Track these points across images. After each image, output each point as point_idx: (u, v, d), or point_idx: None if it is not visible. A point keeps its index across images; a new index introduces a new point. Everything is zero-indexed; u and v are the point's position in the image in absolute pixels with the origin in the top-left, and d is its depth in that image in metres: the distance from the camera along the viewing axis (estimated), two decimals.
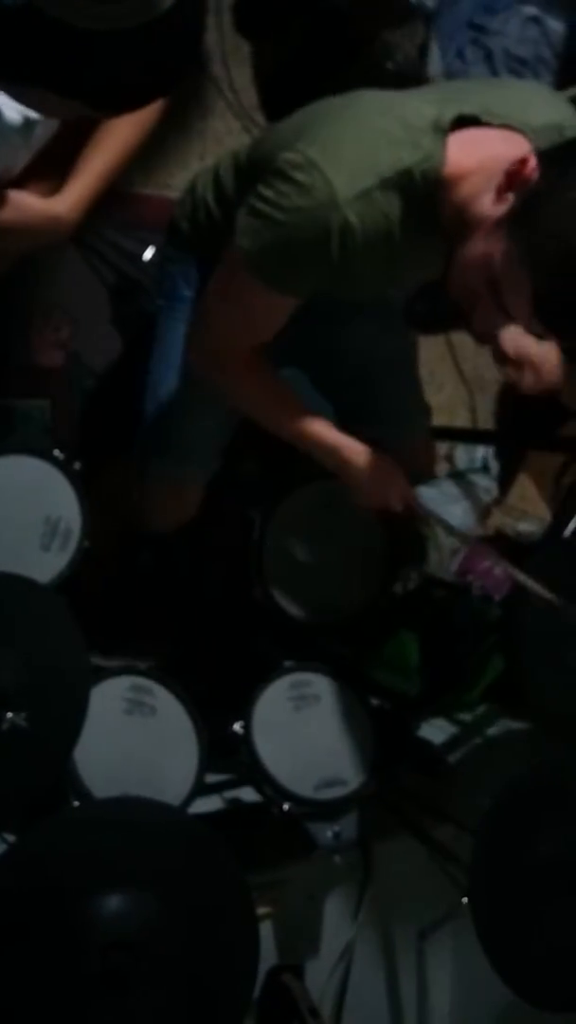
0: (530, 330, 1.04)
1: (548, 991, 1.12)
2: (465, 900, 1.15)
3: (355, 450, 1.29)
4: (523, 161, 0.97)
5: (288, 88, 2.08)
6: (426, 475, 1.95)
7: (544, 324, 0.99)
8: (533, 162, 0.97)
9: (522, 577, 1.34)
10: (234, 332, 1.19)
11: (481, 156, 1.02)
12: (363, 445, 1.30)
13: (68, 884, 0.88)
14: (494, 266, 1.00)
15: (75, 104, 0.83)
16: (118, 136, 1.20)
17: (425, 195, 1.04)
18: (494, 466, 2.52)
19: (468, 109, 1.05)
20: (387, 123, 1.05)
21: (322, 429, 1.28)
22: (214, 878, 0.95)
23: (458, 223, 1.05)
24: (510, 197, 0.99)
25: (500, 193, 1.00)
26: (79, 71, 0.80)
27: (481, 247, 1.02)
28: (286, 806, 1.29)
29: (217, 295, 1.18)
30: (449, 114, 1.03)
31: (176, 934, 0.90)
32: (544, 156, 0.98)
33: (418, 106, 1.07)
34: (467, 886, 1.15)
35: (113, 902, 0.87)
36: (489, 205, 1.01)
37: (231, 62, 1.97)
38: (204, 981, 0.92)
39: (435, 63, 2.05)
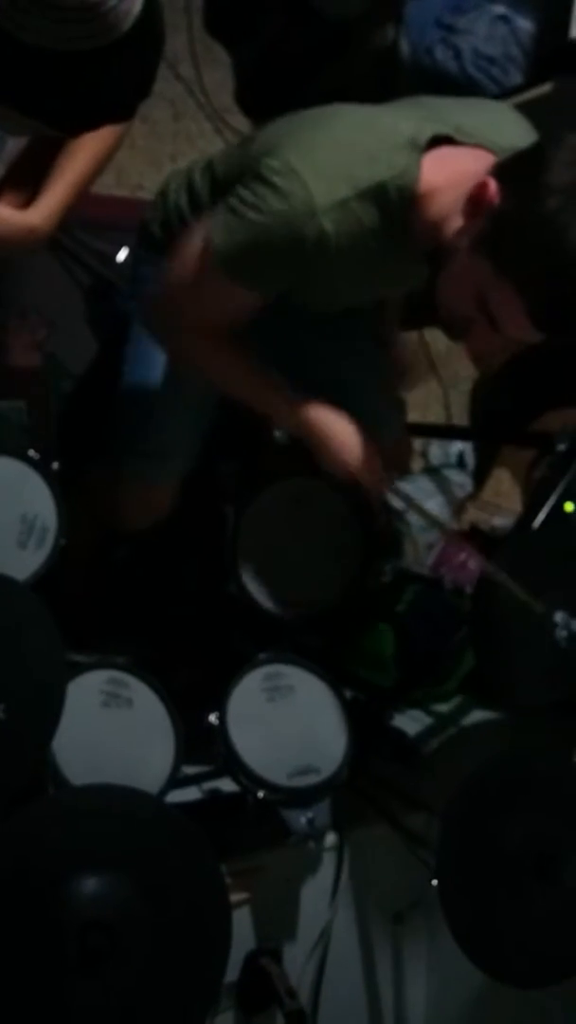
0: (527, 339, 1.06)
1: (514, 968, 1.16)
2: (435, 883, 1.18)
3: (331, 417, 1.28)
4: (483, 185, 1.00)
5: (265, 87, 2.10)
6: (402, 470, 1.98)
7: (545, 332, 1.01)
8: (493, 185, 1.00)
9: (495, 572, 1.37)
10: (195, 313, 1.21)
11: (452, 174, 1.06)
12: (333, 414, 1.29)
13: (47, 867, 0.91)
14: (481, 289, 1.03)
15: (35, 123, 0.86)
16: (90, 146, 1.23)
17: (399, 209, 1.08)
18: (470, 460, 2.55)
19: (443, 128, 1.09)
20: (366, 137, 1.09)
21: (293, 398, 1.28)
22: (188, 861, 0.98)
23: (431, 240, 1.09)
24: (479, 220, 1.03)
25: (468, 217, 1.04)
26: (39, 90, 0.82)
27: (465, 275, 1.05)
28: (261, 794, 1.32)
29: (182, 274, 1.19)
30: (425, 133, 1.08)
31: (152, 915, 0.93)
32: (502, 173, 1.02)
33: (395, 123, 1.11)
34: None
35: (91, 884, 0.90)
36: (460, 228, 1.05)
37: (202, 64, 1.99)
38: (179, 960, 0.95)
39: (405, 60, 2.08)
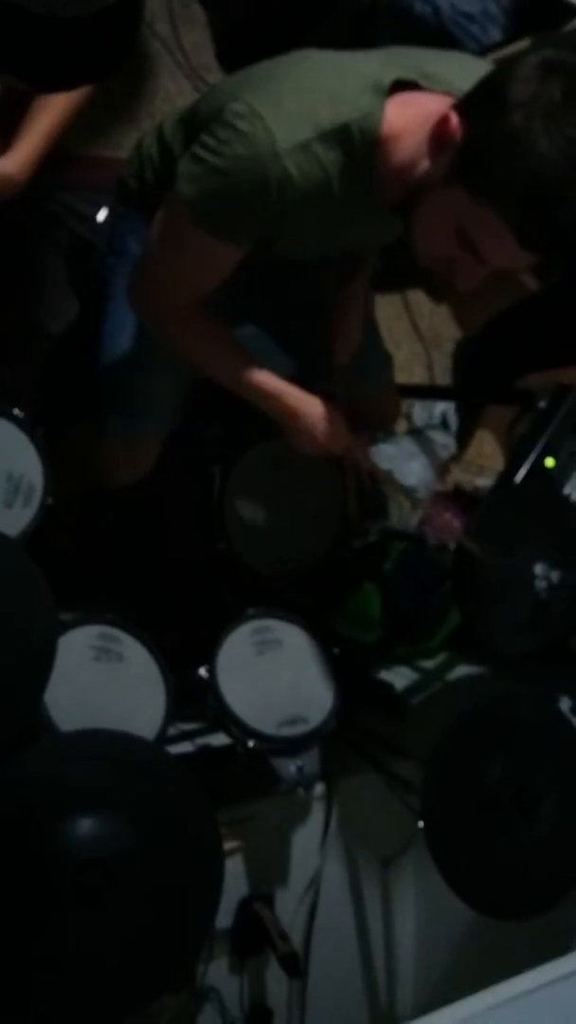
0: (516, 266, 1.05)
1: (498, 901, 1.20)
2: (421, 824, 1.21)
3: (299, 397, 1.31)
4: (444, 119, 1.01)
5: (247, 46, 2.09)
6: (389, 426, 1.99)
7: (534, 251, 1.00)
8: (454, 118, 1.01)
9: (466, 541, 1.40)
10: (175, 279, 1.21)
11: (416, 116, 1.06)
12: (308, 394, 1.32)
13: (44, 808, 0.93)
14: (458, 220, 1.02)
15: (11, 78, 0.87)
16: (65, 97, 1.23)
17: (363, 152, 1.08)
18: (453, 422, 2.57)
19: (408, 74, 1.08)
20: (329, 80, 1.08)
21: (265, 375, 1.29)
22: (182, 803, 1.01)
23: (399, 184, 1.09)
24: (446, 155, 1.03)
25: (434, 156, 1.04)
26: (19, 50, 0.83)
27: (436, 208, 1.04)
28: (251, 743, 1.36)
29: (158, 241, 1.19)
30: (389, 76, 1.07)
31: (146, 855, 0.96)
32: (463, 105, 1.02)
33: (360, 66, 1.10)
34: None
35: (87, 825, 0.93)
36: (428, 168, 1.05)
37: (179, 22, 1.98)
38: (173, 898, 0.98)
39: (384, 16, 2.07)
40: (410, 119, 1.06)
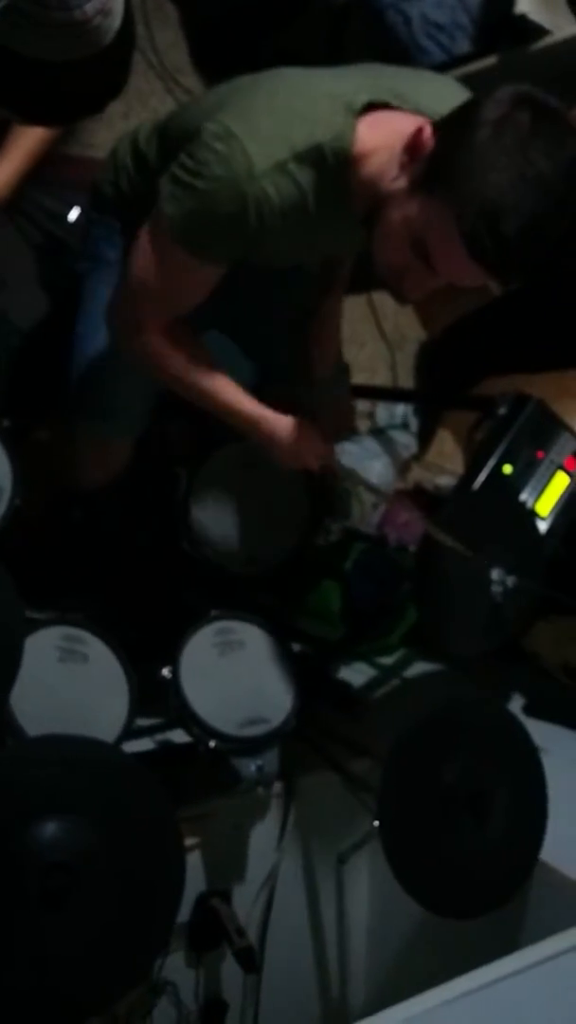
0: (463, 280, 1.08)
1: (449, 900, 1.24)
2: (376, 823, 1.25)
3: (275, 422, 1.33)
4: (419, 131, 1.04)
5: (220, 46, 2.09)
6: (346, 431, 2.02)
7: (481, 263, 1.03)
8: (428, 130, 1.04)
9: (435, 530, 1.43)
10: (156, 298, 1.22)
11: (387, 135, 1.09)
12: (282, 416, 1.34)
13: (8, 812, 0.95)
14: (416, 228, 1.05)
15: (6, 112, 0.89)
16: None
17: (336, 170, 1.11)
18: (413, 423, 2.61)
19: (380, 95, 1.11)
20: (303, 101, 1.11)
21: (243, 401, 1.32)
22: (144, 805, 1.03)
23: (368, 198, 1.12)
24: (415, 166, 1.06)
25: (404, 167, 1.07)
26: (17, 90, 0.85)
27: (398, 216, 1.07)
28: (212, 743, 1.38)
29: (140, 261, 1.21)
30: (362, 98, 1.10)
31: (110, 856, 0.98)
32: (440, 122, 1.05)
33: (333, 87, 1.13)
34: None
35: (50, 828, 0.95)
36: (395, 178, 1.08)
37: (152, 22, 1.98)
38: (136, 899, 1.01)
39: (356, 25, 2.09)
40: (381, 138, 1.09)
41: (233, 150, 1.08)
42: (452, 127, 1.03)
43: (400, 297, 1.18)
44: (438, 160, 1.03)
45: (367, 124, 1.10)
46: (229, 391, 1.32)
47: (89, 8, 0.81)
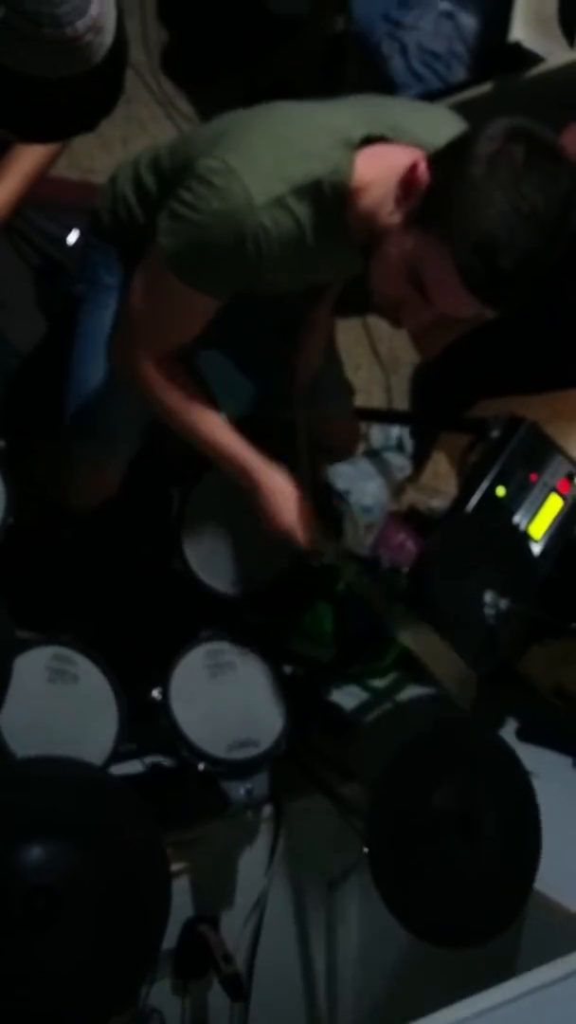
0: (458, 311, 1.09)
1: (439, 928, 1.23)
2: (366, 849, 1.24)
3: (263, 473, 1.31)
4: (413, 167, 1.05)
5: (216, 72, 2.12)
6: (348, 453, 2.03)
7: (477, 295, 1.04)
8: (423, 165, 1.05)
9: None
10: (155, 331, 1.23)
11: (384, 168, 1.10)
12: (274, 472, 1.32)
13: None
14: (412, 262, 1.07)
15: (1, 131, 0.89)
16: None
17: (333, 203, 1.12)
18: (409, 444, 2.62)
19: (377, 128, 1.13)
20: (301, 135, 1.12)
21: (236, 446, 1.31)
22: (131, 829, 1.02)
23: (365, 231, 1.13)
24: (411, 201, 1.07)
25: (399, 202, 1.08)
26: (10, 107, 0.85)
27: (394, 250, 1.09)
28: (202, 766, 1.37)
29: (140, 294, 1.22)
30: (359, 132, 1.11)
31: (95, 880, 0.97)
32: (434, 157, 1.06)
33: (331, 121, 1.14)
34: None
35: (36, 851, 0.94)
36: (392, 210, 1.09)
37: (153, 49, 2.00)
38: (120, 924, 0.99)
39: (352, 53, 2.12)
40: (377, 172, 1.11)
41: (231, 184, 1.09)
42: (447, 162, 1.04)
43: (393, 320, 1.19)
44: (433, 196, 1.04)
45: (364, 158, 1.12)
46: (222, 431, 1.31)
47: (80, 25, 0.81)
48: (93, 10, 0.82)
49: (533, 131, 1.00)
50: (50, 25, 0.80)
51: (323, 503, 1.88)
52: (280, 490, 1.32)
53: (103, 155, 1.89)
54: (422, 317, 1.13)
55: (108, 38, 0.85)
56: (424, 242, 1.05)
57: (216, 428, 1.31)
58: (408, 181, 1.06)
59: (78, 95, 0.87)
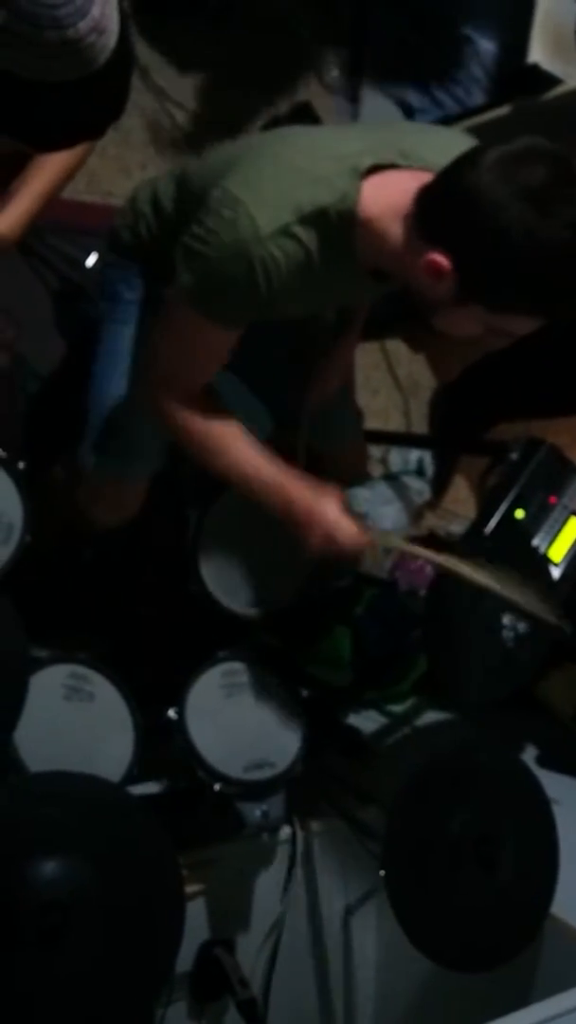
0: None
1: (457, 953, 1.21)
2: (382, 873, 1.22)
3: (309, 501, 1.26)
4: (431, 264, 1.06)
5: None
6: (358, 476, 2.03)
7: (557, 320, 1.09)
8: (439, 259, 1.06)
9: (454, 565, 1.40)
10: (180, 366, 1.24)
11: (392, 196, 1.12)
12: (317, 494, 1.27)
13: (6, 849, 0.94)
14: (487, 323, 1.10)
15: (6, 139, 0.90)
16: (60, 158, 1.26)
17: (340, 230, 1.13)
18: (428, 468, 2.61)
19: (386, 154, 1.14)
20: (308, 163, 1.14)
21: (275, 478, 1.27)
22: (146, 848, 1.02)
23: (376, 259, 1.15)
24: (446, 283, 1.08)
25: (432, 287, 1.09)
26: (15, 113, 0.86)
27: (462, 319, 1.12)
28: (217, 787, 1.36)
29: (163, 332, 1.24)
30: (367, 160, 1.13)
31: (108, 899, 0.97)
32: (440, 235, 1.07)
33: (339, 148, 1.16)
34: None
35: (49, 866, 0.94)
36: (431, 290, 1.10)
37: (169, 71, 2.02)
38: (133, 943, 0.99)
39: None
40: (385, 200, 1.12)
41: (239, 215, 1.11)
42: (469, 236, 1.05)
43: (414, 344, 1.21)
44: (470, 278, 1.06)
45: (372, 186, 1.13)
46: (257, 464, 1.26)
47: (82, 27, 0.81)
48: (95, 11, 0.81)
49: (526, 167, 1.01)
50: (51, 27, 0.80)
51: None
52: (330, 515, 1.26)
53: (122, 179, 1.91)
54: (505, 342, 1.17)
55: (111, 39, 0.85)
56: (491, 313, 1.08)
57: (249, 459, 1.27)
58: (434, 273, 1.07)
59: (84, 99, 0.87)
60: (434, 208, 1.08)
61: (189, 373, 1.25)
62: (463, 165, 1.05)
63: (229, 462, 1.27)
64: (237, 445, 1.27)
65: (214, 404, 1.28)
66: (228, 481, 1.30)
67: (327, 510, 1.26)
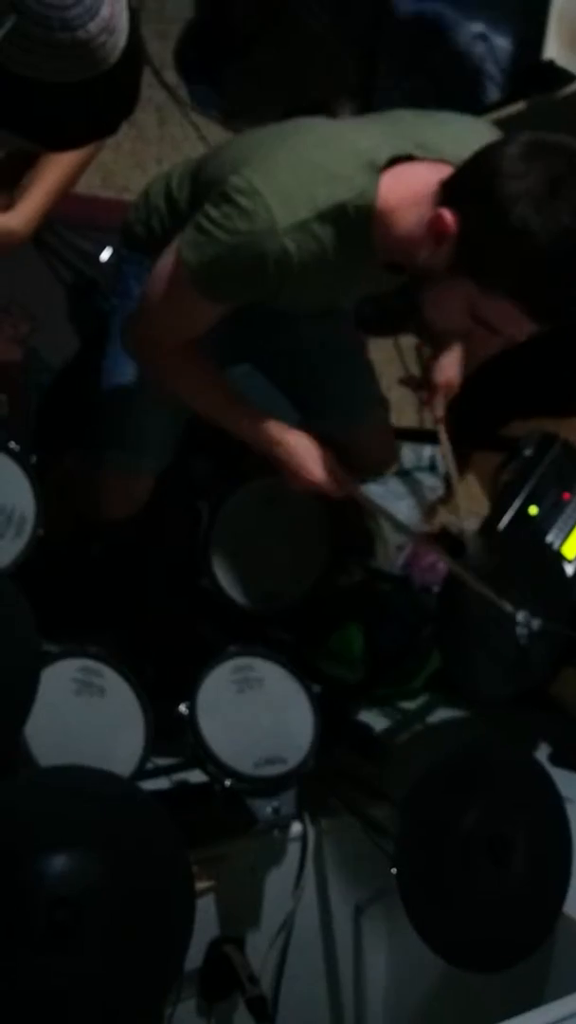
0: (527, 334, 1.12)
1: (469, 952, 1.20)
2: (394, 871, 1.21)
3: (284, 431, 1.34)
4: (438, 219, 1.05)
5: (208, 50, 2.10)
6: (386, 467, 2.03)
7: (544, 323, 1.07)
8: (448, 216, 1.05)
9: (462, 572, 1.41)
10: (166, 326, 1.26)
11: (409, 190, 1.11)
12: (293, 429, 1.35)
13: (16, 844, 0.94)
14: (472, 304, 1.09)
15: (15, 137, 0.90)
16: (71, 154, 1.26)
17: (357, 225, 1.13)
18: (441, 464, 2.60)
19: (404, 146, 1.13)
20: (326, 157, 1.13)
21: (253, 412, 1.33)
22: (155, 841, 1.01)
23: (392, 252, 1.15)
24: (446, 247, 1.07)
25: (433, 245, 1.08)
26: (28, 114, 0.86)
27: (450, 295, 1.10)
28: (228, 782, 1.36)
29: (155, 293, 1.24)
30: (384, 154, 1.12)
31: (118, 893, 0.96)
32: (452, 196, 1.06)
33: (356, 141, 1.15)
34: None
35: (59, 860, 0.93)
36: (428, 255, 1.09)
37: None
38: (143, 939, 0.98)
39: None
40: (403, 193, 1.12)
41: (257, 207, 1.10)
42: (476, 204, 1.04)
43: (430, 342, 1.20)
44: (470, 245, 1.06)
45: (389, 178, 1.13)
46: (240, 404, 1.33)
47: (93, 27, 0.81)
48: (104, 11, 0.82)
49: (547, 144, 1.01)
50: (62, 29, 0.80)
51: (354, 520, 1.87)
52: (301, 443, 1.33)
53: (137, 174, 1.92)
54: (493, 343, 1.15)
55: (122, 38, 0.85)
56: (478, 291, 1.07)
57: (234, 401, 1.33)
58: (437, 232, 1.07)
59: (96, 98, 0.87)
60: (459, 173, 1.08)
61: (177, 333, 1.26)
62: (497, 141, 1.06)
63: (211, 398, 1.32)
64: (219, 383, 1.32)
65: (196, 352, 1.29)
66: (211, 416, 1.33)
67: (296, 439, 1.33)
